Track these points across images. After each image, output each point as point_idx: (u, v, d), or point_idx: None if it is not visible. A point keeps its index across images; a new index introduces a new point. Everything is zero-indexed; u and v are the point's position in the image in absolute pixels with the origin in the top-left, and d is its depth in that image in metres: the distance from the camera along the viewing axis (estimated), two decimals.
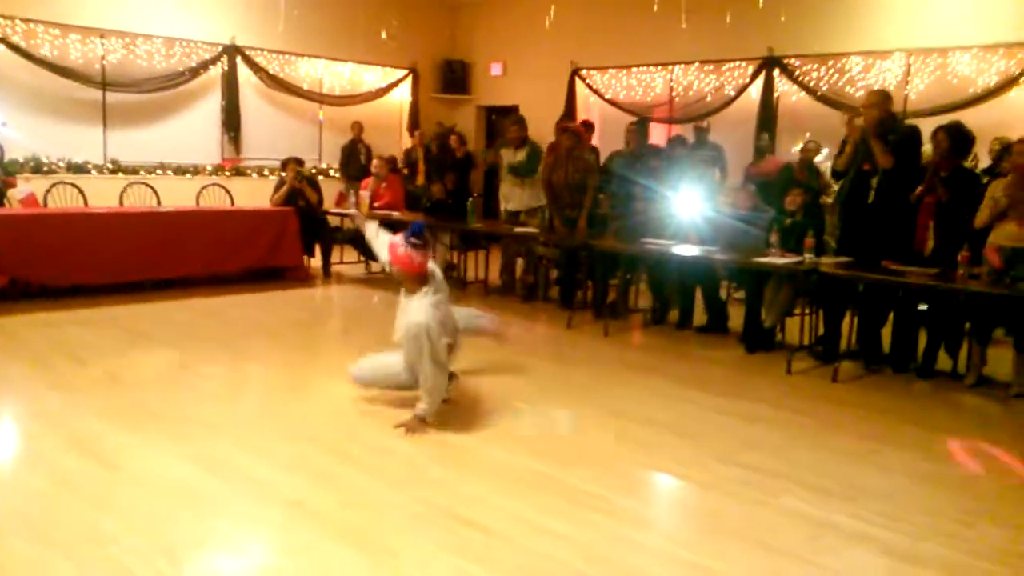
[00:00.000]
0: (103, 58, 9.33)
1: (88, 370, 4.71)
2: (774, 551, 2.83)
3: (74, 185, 8.85)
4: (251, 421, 3.98)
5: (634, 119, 8.51)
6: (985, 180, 5.56)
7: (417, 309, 3.84)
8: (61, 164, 9.09)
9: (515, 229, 7.42)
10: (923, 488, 3.49)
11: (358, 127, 10.74)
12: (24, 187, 8.32)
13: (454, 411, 4.13)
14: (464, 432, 3.92)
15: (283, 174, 8.64)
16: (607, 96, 11.11)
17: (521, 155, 7.68)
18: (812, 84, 9.26)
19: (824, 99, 9.12)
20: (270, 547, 2.82)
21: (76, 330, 5.67)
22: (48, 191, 8.63)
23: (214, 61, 10.23)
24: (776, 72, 9.54)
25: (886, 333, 5.51)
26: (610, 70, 11.05)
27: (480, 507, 3.09)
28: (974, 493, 3.49)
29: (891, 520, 3.11)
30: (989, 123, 7.39)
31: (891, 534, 3.00)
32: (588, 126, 9.36)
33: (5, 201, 7.85)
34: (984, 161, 7.07)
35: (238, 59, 10.42)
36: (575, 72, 11.36)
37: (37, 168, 8.89)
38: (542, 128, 9.28)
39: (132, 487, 3.17)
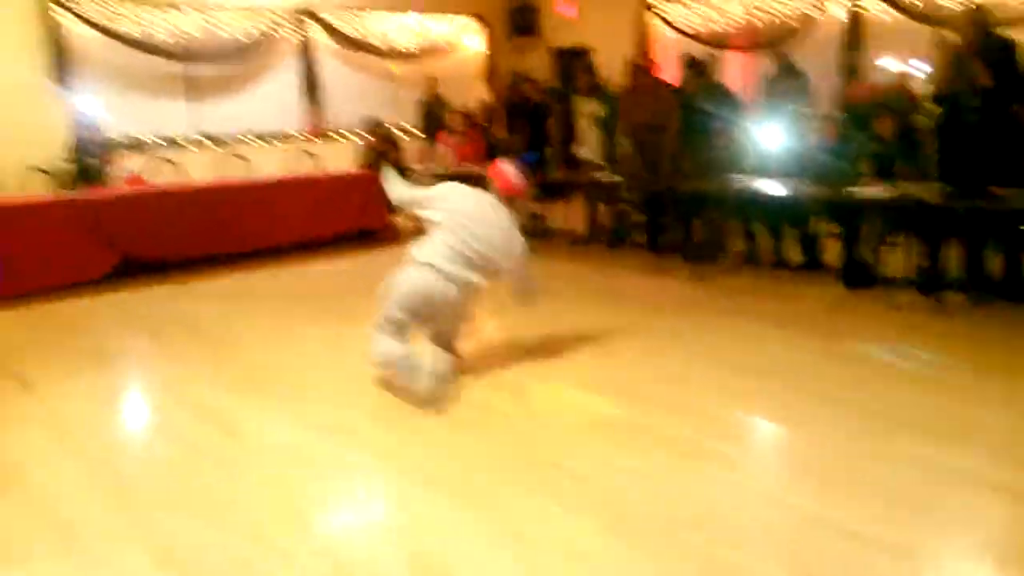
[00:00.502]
0: (181, 31, 9.51)
1: (203, 340, 4.95)
2: (880, 494, 2.79)
3: (168, 160, 9.20)
4: (358, 384, 4.07)
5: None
6: None
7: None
8: (154, 140, 9.41)
9: (596, 175, 7.35)
10: None
11: (433, 82, 10.74)
12: (126, 165, 8.71)
13: (539, 359, 4.22)
14: (552, 380, 4.02)
15: (366, 135, 8.78)
16: (682, 28, 10.73)
17: (594, 105, 7.53)
18: None
19: (914, 15, 8.62)
20: (385, 505, 2.97)
21: (186, 303, 5.96)
22: (144, 167, 9.00)
23: (288, 26, 10.34)
24: None
25: (994, 261, 5.27)
26: None
27: (576, 454, 3.17)
28: None
29: (1012, 459, 3.02)
30: None
31: (1012, 474, 2.91)
32: (694, 63, 8.73)
33: (107, 180, 8.23)
34: None
35: (311, 21, 10.51)
36: (648, 6, 11.02)
37: (132, 145, 9.22)
38: (618, 67, 9.06)
39: (254, 453, 3.36)
